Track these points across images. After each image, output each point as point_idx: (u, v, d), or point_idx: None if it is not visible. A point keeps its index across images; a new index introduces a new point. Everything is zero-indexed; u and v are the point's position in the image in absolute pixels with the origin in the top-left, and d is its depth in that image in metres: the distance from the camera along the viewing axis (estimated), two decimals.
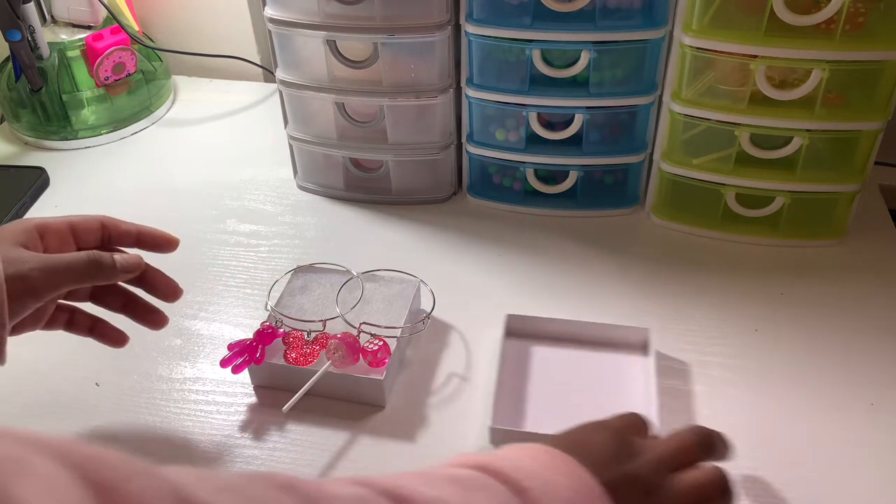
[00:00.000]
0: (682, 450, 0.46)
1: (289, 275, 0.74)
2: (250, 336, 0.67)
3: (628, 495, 0.42)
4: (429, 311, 0.71)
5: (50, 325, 0.58)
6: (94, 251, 0.54)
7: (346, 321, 0.68)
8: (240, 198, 0.90)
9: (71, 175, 0.95)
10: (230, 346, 0.66)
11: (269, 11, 0.78)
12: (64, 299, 0.58)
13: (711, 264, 0.78)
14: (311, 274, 0.74)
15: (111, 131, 1.01)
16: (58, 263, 0.51)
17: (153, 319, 0.60)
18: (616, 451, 0.44)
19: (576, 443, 0.44)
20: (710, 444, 0.47)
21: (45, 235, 0.54)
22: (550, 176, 0.85)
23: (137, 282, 0.58)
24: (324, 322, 0.68)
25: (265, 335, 0.67)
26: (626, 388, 0.65)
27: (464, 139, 0.85)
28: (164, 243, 0.59)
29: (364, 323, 0.67)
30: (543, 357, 0.68)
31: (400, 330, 0.67)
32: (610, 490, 0.41)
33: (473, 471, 0.39)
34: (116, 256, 0.55)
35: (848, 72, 0.70)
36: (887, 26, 0.68)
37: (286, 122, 0.88)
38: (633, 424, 0.48)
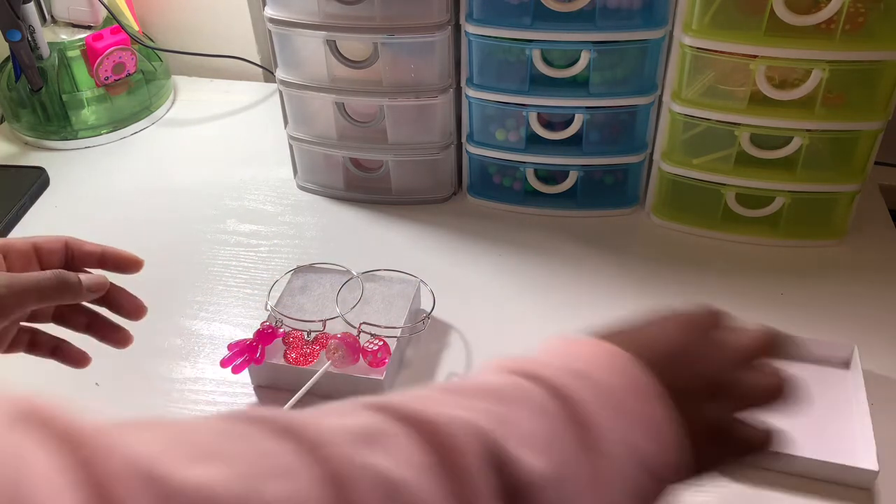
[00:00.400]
0: (753, 349, 0.44)
1: (289, 275, 0.74)
2: (250, 336, 0.67)
3: (692, 397, 0.40)
4: (429, 311, 0.71)
5: (12, 347, 0.57)
6: (60, 270, 0.53)
7: (346, 321, 0.68)
8: (240, 198, 0.90)
9: (71, 175, 0.95)
10: (230, 346, 0.66)
11: (269, 11, 0.78)
12: (27, 321, 0.57)
13: (711, 264, 0.78)
14: (311, 274, 0.74)
15: (111, 131, 1.01)
16: (23, 281, 0.51)
17: (117, 338, 0.59)
18: (684, 348, 0.42)
19: (639, 338, 0.41)
20: (779, 344, 0.45)
21: (9, 255, 0.53)
22: (550, 176, 0.85)
23: (101, 301, 0.57)
24: (324, 322, 0.68)
25: (265, 335, 0.67)
26: None
27: (464, 139, 0.85)
28: (128, 264, 0.57)
29: (364, 323, 0.67)
30: None
31: (400, 330, 0.67)
32: (672, 392, 0.38)
33: (514, 377, 0.36)
34: (82, 276, 0.54)
35: (848, 72, 0.70)
36: (887, 26, 0.68)
37: (286, 122, 0.88)
38: (708, 316, 0.45)
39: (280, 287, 0.73)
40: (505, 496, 0.31)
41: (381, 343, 0.65)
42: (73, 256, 0.57)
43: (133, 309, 0.58)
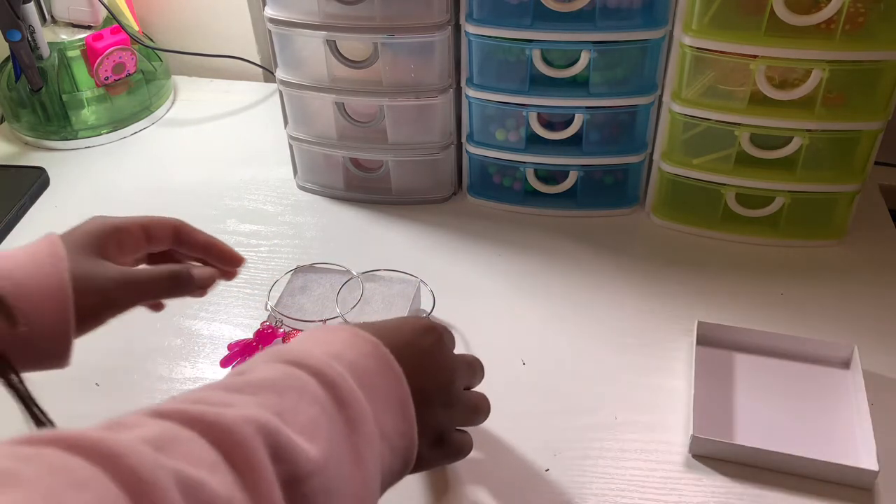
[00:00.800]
0: (473, 369, 0.51)
1: (289, 275, 0.74)
2: (250, 336, 0.67)
3: (429, 396, 0.46)
4: (429, 311, 0.71)
5: None
6: (174, 268, 0.54)
7: (346, 321, 0.68)
8: (240, 198, 0.90)
9: (71, 175, 0.95)
10: (230, 346, 0.66)
11: (269, 11, 0.78)
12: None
13: (711, 264, 0.78)
14: (311, 274, 0.74)
15: (111, 131, 1.01)
16: (138, 279, 0.52)
17: (227, 273, 0.59)
18: (423, 346, 0.47)
19: (385, 330, 0.46)
20: (480, 371, 0.53)
21: (122, 239, 0.54)
22: (550, 176, 0.85)
23: (205, 252, 0.58)
24: (324, 322, 0.68)
25: (265, 335, 0.67)
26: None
27: (464, 139, 0.85)
28: (231, 260, 0.58)
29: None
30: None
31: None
32: (412, 386, 0.43)
33: (286, 366, 0.39)
34: (195, 272, 0.54)
35: (848, 72, 0.70)
36: (887, 26, 0.68)
37: (286, 122, 0.88)
38: (439, 327, 0.50)
39: (280, 287, 0.73)
40: (284, 484, 0.33)
41: None
42: (180, 242, 0.57)
43: (234, 260, 0.58)
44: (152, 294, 0.53)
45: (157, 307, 0.59)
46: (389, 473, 0.42)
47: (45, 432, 0.28)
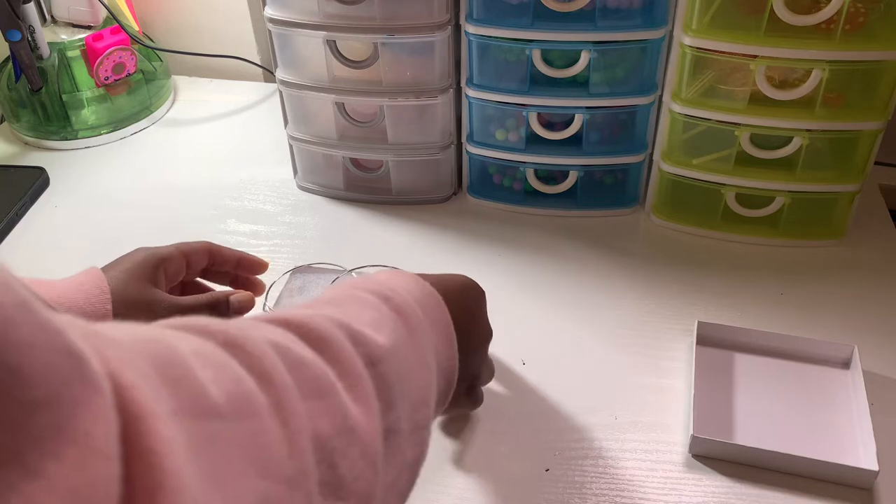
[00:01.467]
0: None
1: (287, 275, 0.74)
2: None
3: (472, 340, 0.54)
4: None
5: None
6: (214, 296, 0.61)
7: None
8: (240, 198, 0.90)
9: (71, 175, 0.95)
10: None
11: (269, 11, 0.78)
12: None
13: (711, 264, 0.78)
14: (309, 274, 0.74)
15: (111, 131, 1.01)
16: (185, 307, 0.58)
17: (257, 287, 0.67)
18: (469, 296, 0.55)
19: (436, 279, 0.51)
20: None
21: (168, 268, 0.59)
22: (550, 176, 0.85)
23: (236, 267, 0.65)
24: None
25: None
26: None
27: (464, 139, 0.85)
28: (259, 268, 0.66)
29: None
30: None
31: None
32: (457, 326, 0.49)
33: (346, 289, 0.45)
34: (232, 298, 0.61)
35: (848, 72, 0.70)
36: (887, 26, 0.68)
37: (286, 122, 0.88)
38: (479, 286, 0.57)
39: (279, 288, 0.73)
40: (366, 362, 0.38)
41: None
42: (213, 262, 0.64)
43: (260, 268, 0.66)
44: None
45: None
46: (438, 389, 0.46)
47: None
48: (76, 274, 0.55)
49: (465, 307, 0.52)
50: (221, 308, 0.60)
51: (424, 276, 0.51)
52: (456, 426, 0.63)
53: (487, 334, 0.57)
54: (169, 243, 0.62)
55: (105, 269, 0.57)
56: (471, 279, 0.56)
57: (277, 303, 0.71)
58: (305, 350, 0.35)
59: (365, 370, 0.37)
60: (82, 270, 0.56)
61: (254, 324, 0.36)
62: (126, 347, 0.26)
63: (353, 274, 0.73)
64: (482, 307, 0.56)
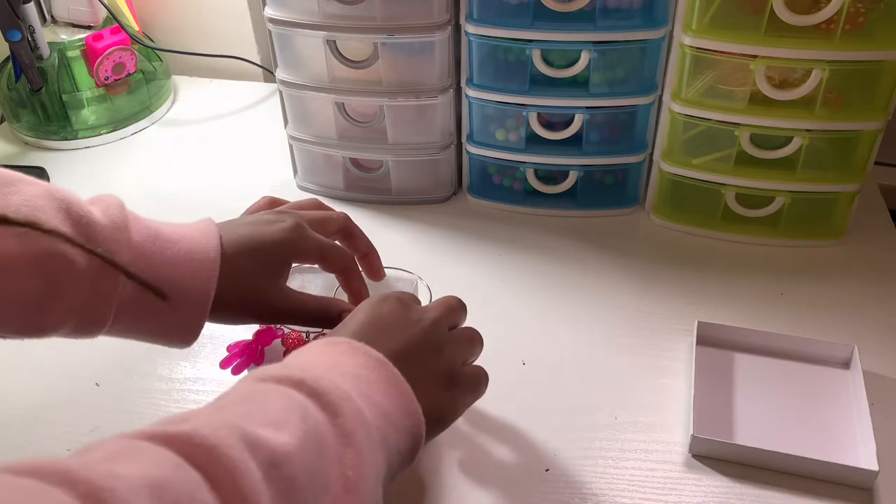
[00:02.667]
0: (451, 311, 0.53)
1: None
2: (250, 337, 0.67)
3: (415, 356, 0.47)
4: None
5: None
6: (326, 308, 0.56)
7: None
8: (240, 198, 0.89)
9: (71, 175, 0.95)
10: (229, 348, 0.66)
11: (269, 11, 0.78)
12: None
13: (711, 264, 0.78)
14: (307, 274, 0.74)
15: (111, 131, 1.01)
16: (295, 309, 0.55)
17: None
18: (404, 315, 0.49)
19: (366, 323, 0.48)
20: (464, 307, 0.55)
21: (298, 259, 0.56)
22: (550, 176, 0.85)
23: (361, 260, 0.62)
24: None
25: (264, 336, 0.67)
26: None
27: (464, 139, 0.85)
28: (374, 275, 0.63)
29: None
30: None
31: None
32: (394, 356, 0.45)
33: (258, 382, 0.40)
34: (344, 314, 0.56)
35: (848, 72, 0.70)
36: (887, 26, 0.68)
37: (286, 122, 0.88)
38: (409, 296, 0.52)
39: None
40: (267, 468, 0.34)
41: None
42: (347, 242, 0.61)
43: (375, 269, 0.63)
44: (299, 322, 0.57)
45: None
46: (398, 453, 0.43)
47: (4, 465, 0.29)
48: (195, 232, 0.52)
49: (384, 325, 0.48)
50: (331, 321, 0.56)
51: (336, 330, 0.48)
52: (455, 426, 0.63)
53: (423, 324, 0.50)
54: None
55: (229, 234, 0.53)
56: (377, 298, 0.51)
57: None
58: (188, 477, 0.32)
59: (262, 481, 0.34)
60: (201, 226, 0.53)
61: (131, 448, 0.32)
62: None
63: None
64: (407, 307, 0.50)
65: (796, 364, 0.66)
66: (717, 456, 0.59)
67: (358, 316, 0.49)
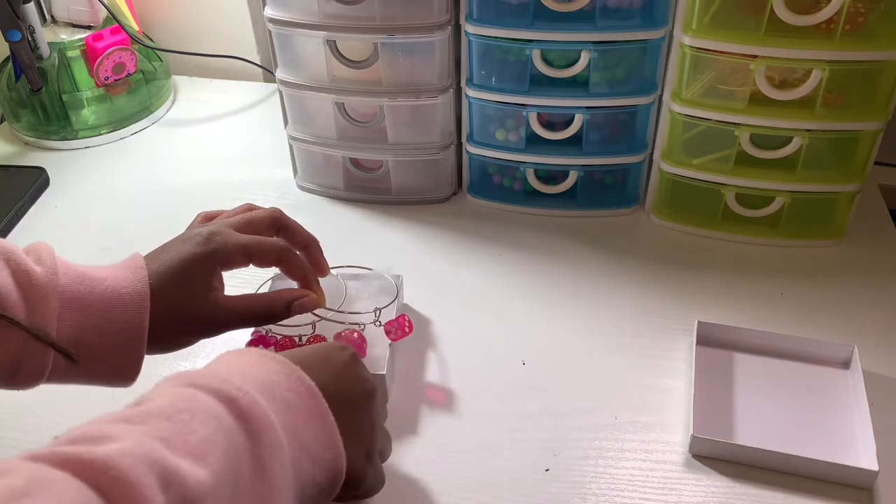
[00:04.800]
0: (387, 437, 0.54)
1: (269, 283, 0.74)
2: (244, 347, 0.67)
3: (356, 411, 0.48)
4: (398, 301, 0.71)
5: None
6: (271, 303, 0.57)
7: (337, 322, 0.68)
8: (240, 198, 0.90)
9: (71, 175, 0.95)
10: None
11: (269, 11, 0.78)
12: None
13: (711, 264, 0.78)
14: (288, 281, 0.74)
15: (111, 131, 1.01)
16: (239, 313, 0.55)
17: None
18: (355, 369, 0.50)
19: (313, 355, 0.48)
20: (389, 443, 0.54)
21: (224, 268, 0.56)
22: (550, 176, 0.85)
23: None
24: (313, 325, 0.68)
25: (257, 343, 0.67)
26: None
27: (464, 139, 0.85)
28: (321, 271, 0.63)
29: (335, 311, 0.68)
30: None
31: (372, 314, 0.67)
32: (337, 398, 0.45)
33: (185, 388, 0.39)
34: (296, 304, 0.58)
35: (848, 72, 0.70)
36: (887, 26, 0.68)
37: (286, 122, 0.88)
38: (346, 347, 0.51)
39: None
40: None
41: (356, 334, 0.66)
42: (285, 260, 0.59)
43: (323, 269, 0.63)
44: (250, 323, 0.57)
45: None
46: (313, 485, 0.43)
47: None
48: (121, 270, 0.52)
49: (336, 372, 0.48)
50: (280, 314, 0.57)
51: (287, 353, 0.47)
52: (456, 426, 0.63)
53: (366, 393, 0.50)
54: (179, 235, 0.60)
55: (152, 263, 0.53)
56: (334, 343, 0.52)
57: None
58: None
59: None
60: (127, 262, 0.53)
61: (42, 480, 0.30)
62: None
63: (334, 275, 0.73)
64: (359, 364, 0.51)
65: (796, 364, 0.66)
66: (717, 456, 0.59)
67: (311, 348, 0.50)
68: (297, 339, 0.67)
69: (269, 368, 0.44)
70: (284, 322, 0.69)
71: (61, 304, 0.49)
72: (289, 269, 0.59)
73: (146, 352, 0.52)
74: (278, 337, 0.67)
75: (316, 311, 0.67)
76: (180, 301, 0.53)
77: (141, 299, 0.51)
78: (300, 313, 0.58)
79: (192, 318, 0.54)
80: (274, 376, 0.43)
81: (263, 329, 0.68)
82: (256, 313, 0.56)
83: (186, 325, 0.54)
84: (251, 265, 0.58)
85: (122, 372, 0.53)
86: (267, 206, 0.87)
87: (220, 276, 0.56)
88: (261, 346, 0.67)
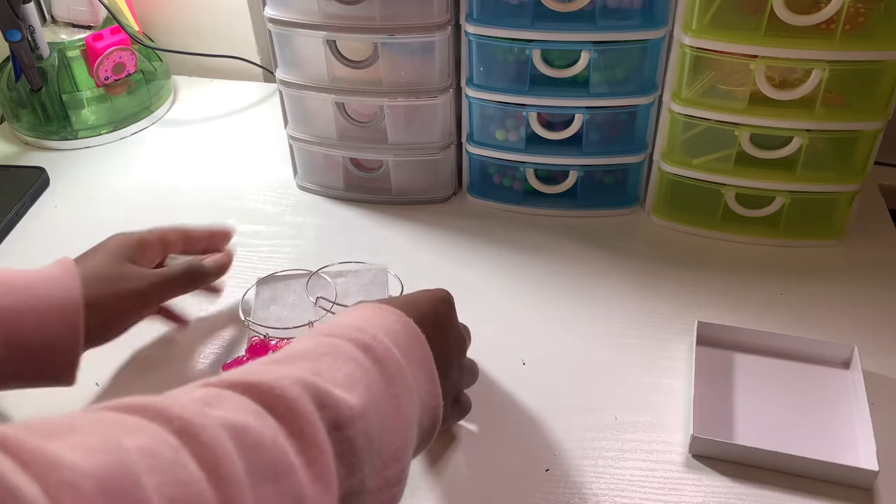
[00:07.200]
0: (468, 340, 0.59)
1: (254, 288, 0.74)
2: (243, 353, 0.67)
3: (447, 358, 0.52)
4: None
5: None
6: (187, 263, 0.62)
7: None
8: (240, 198, 0.90)
9: (71, 175, 0.95)
10: (224, 367, 0.67)
11: (269, 11, 0.78)
12: None
13: (711, 264, 0.78)
14: (276, 283, 0.75)
15: (111, 131, 1.01)
16: (165, 277, 0.59)
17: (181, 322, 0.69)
18: (454, 321, 0.54)
19: (422, 308, 0.51)
20: (469, 338, 0.59)
21: (144, 248, 0.61)
22: (550, 176, 0.85)
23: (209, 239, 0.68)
24: (311, 324, 0.68)
25: (258, 348, 0.67)
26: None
27: (464, 139, 0.85)
28: (225, 235, 0.68)
29: (321, 297, 0.70)
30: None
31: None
32: (438, 350, 0.48)
33: (323, 337, 0.44)
34: (207, 261, 0.63)
35: (848, 72, 0.70)
36: (887, 26, 0.68)
37: (286, 122, 0.88)
38: (449, 296, 0.55)
39: (250, 300, 0.73)
40: (330, 427, 0.37)
41: None
42: (188, 242, 0.65)
43: (225, 234, 0.68)
44: (177, 288, 0.61)
45: (182, 324, 0.68)
46: (421, 429, 0.46)
47: (100, 404, 0.33)
48: (50, 264, 0.56)
49: (440, 329, 0.51)
50: (197, 273, 0.62)
51: (394, 302, 0.50)
52: (455, 426, 0.63)
53: (462, 343, 0.56)
54: None
55: (80, 256, 0.59)
56: (440, 291, 0.55)
57: (255, 316, 0.71)
58: (268, 424, 0.35)
59: (327, 438, 0.37)
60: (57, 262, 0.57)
61: (218, 395, 0.35)
62: (70, 468, 0.26)
63: (320, 274, 0.74)
64: (453, 317, 0.55)
65: (796, 364, 0.66)
66: (717, 456, 0.59)
67: (416, 296, 0.53)
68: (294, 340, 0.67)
69: (391, 319, 0.47)
70: (284, 322, 0.69)
71: None
72: (193, 234, 0.66)
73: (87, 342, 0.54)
74: (276, 340, 0.67)
75: (322, 306, 0.70)
76: (106, 269, 0.57)
77: (70, 279, 0.54)
78: (219, 273, 0.64)
79: (115, 282, 0.56)
80: (394, 325, 0.47)
81: (262, 334, 0.68)
82: (177, 276, 0.60)
83: (123, 292, 0.57)
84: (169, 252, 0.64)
85: (60, 367, 0.54)
86: (267, 206, 0.88)
87: (141, 255, 0.60)
88: (263, 349, 0.67)
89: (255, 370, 0.38)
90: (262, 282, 0.74)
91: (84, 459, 0.27)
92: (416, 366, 0.46)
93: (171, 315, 0.68)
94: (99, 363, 0.68)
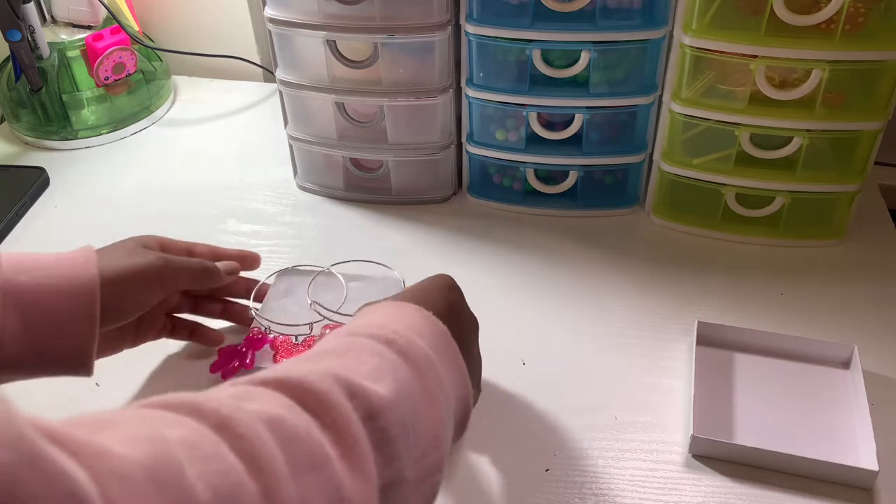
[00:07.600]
0: None
1: (273, 277, 0.74)
2: (240, 342, 0.67)
3: (467, 339, 0.53)
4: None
5: (159, 334, 0.66)
6: (206, 262, 0.64)
7: (332, 321, 0.68)
8: (240, 198, 0.90)
9: (71, 175, 0.95)
10: (220, 352, 0.67)
11: (269, 11, 0.78)
12: (170, 311, 0.66)
13: (711, 264, 0.78)
14: (293, 276, 0.75)
15: (111, 131, 1.01)
16: (181, 261, 0.61)
17: (242, 319, 0.70)
18: (467, 309, 0.56)
19: (437, 299, 0.52)
20: None
21: (165, 248, 0.63)
22: (550, 176, 0.85)
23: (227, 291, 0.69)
24: (310, 326, 0.68)
25: (254, 340, 0.67)
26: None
27: (464, 139, 0.85)
28: (254, 263, 0.69)
29: (315, 302, 0.70)
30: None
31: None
32: (460, 341, 0.49)
33: (348, 336, 0.44)
34: (219, 264, 0.65)
35: (848, 72, 0.70)
36: (887, 26, 0.68)
37: (286, 122, 0.88)
38: (453, 281, 0.57)
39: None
40: (363, 417, 0.38)
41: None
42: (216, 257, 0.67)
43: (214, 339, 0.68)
44: (189, 277, 0.62)
45: (216, 341, 0.68)
46: (455, 418, 0.46)
47: (136, 402, 0.33)
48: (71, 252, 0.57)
49: (455, 316, 0.52)
50: (213, 272, 0.63)
51: (406, 296, 0.51)
52: None
53: (475, 324, 0.57)
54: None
55: (108, 246, 0.61)
56: (445, 277, 0.56)
57: (265, 305, 0.71)
58: (301, 417, 0.35)
59: (362, 427, 0.37)
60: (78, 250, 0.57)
61: (249, 391, 0.36)
62: (118, 457, 0.27)
63: (335, 273, 0.74)
64: (464, 301, 0.56)
65: (796, 364, 0.66)
66: (717, 456, 0.59)
67: (423, 287, 0.54)
68: (293, 338, 0.67)
69: (408, 314, 0.48)
70: (293, 317, 0.70)
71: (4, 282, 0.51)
72: (220, 257, 0.67)
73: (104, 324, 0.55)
74: (276, 334, 0.67)
75: (317, 311, 0.69)
76: (123, 253, 0.58)
77: (90, 264, 0.54)
78: (230, 270, 0.65)
79: (139, 264, 0.57)
80: (415, 321, 0.47)
81: (262, 327, 0.68)
82: (193, 265, 0.62)
83: (140, 272, 0.58)
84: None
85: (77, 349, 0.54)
86: (267, 206, 0.88)
87: (157, 244, 0.62)
88: (253, 343, 0.67)
89: (283, 368, 0.39)
90: (282, 273, 0.75)
91: (130, 450, 0.28)
92: (443, 356, 0.46)
93: (203, 336, 0.68)
94: (99, 363, 0.69)
